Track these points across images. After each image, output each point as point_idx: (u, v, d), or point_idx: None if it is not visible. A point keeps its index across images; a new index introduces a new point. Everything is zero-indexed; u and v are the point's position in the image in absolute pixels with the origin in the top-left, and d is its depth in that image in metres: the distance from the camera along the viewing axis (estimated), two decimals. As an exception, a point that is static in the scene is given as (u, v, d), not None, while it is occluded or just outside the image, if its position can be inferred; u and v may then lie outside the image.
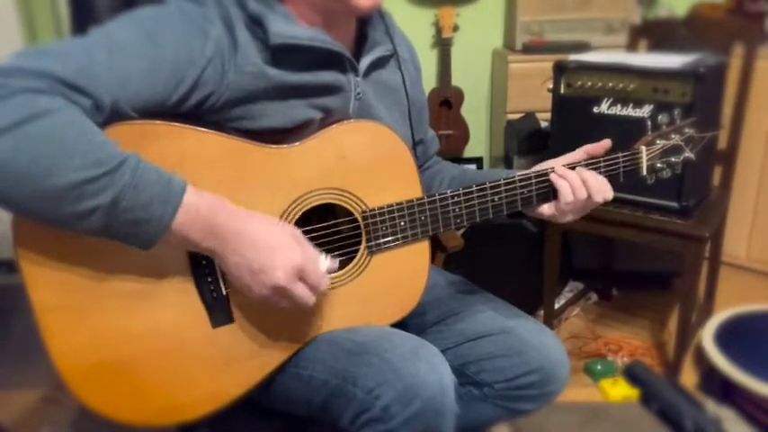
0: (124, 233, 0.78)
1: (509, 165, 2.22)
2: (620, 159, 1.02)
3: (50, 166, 0.72)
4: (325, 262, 0.88)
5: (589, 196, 0.97)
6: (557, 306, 2.11)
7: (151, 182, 0.77)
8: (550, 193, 1.00)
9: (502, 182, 0.98)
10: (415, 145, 1.17)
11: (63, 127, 0.73)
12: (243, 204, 0.85)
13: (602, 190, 0.98)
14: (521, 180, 0.98)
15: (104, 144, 0.75)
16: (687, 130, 1.05)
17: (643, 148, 1.03)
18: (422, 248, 1.00)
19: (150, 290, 0.87)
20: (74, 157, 0.72)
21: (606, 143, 1.02)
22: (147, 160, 0.78)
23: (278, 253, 0.83)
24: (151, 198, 0.76)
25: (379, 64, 1.05)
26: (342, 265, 0.96)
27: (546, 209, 1.01)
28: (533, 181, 0.99)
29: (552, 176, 0.99)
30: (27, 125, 0.71)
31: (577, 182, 0.97)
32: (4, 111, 0.71)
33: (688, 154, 1.05)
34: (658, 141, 1.04)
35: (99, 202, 0.74)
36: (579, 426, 1.66)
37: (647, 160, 1.03)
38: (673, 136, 1.04)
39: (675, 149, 1.05)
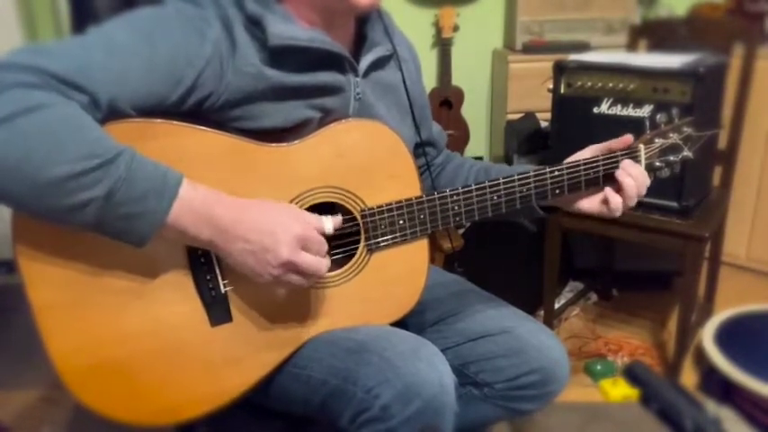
0: (118, 228, 0.77)
1: (509, 165, 2.22)
2: (619, 158, 1.02)
3: (44, 159, 0.72)
4: (328, 221, 0.89)
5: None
6: (557, 306, 2.11)
7: (146, 175, 0.77)
8: (548, 192, 0.99)
9: (501, 180, 0.98)
10: (423, 144, 1.16)
11: (57, 120, 0.73)
12: (242, 203, 0.85)
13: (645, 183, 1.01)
14: (520, 179, 0.98)
15: (100, 137, 0.75)
16: (686, 128, 1.05)
17: (641, 146, 1.03)
18: (421, 247, 1.00)
19: (149, 288, 0.87)
20: (68, 150, 0.72)
21: (628, 138, 1.02)
22: (143, 155, 0.78)
23: (278, 230, 0.83)
24: (146, 191, 0.76)
25: (378, 64, 1.05)
26: (341, 264, 0.96)
27: (586, 204, 1.03)
28: (532, 179, 0.98)
29: (619, 174, 1.00)
30: (20, 118, 0.71)
31: (633, 191, 0.99)
32: None
33: (686, 153, 1.05)
34: (657, 140, 1.04)
35: (93, 194, 0.74)
36: (579, 426, 1.66)
37: (646, 159, 1.03)
38: (671, 135, 1.04)
39: (674, 148, 1.05)
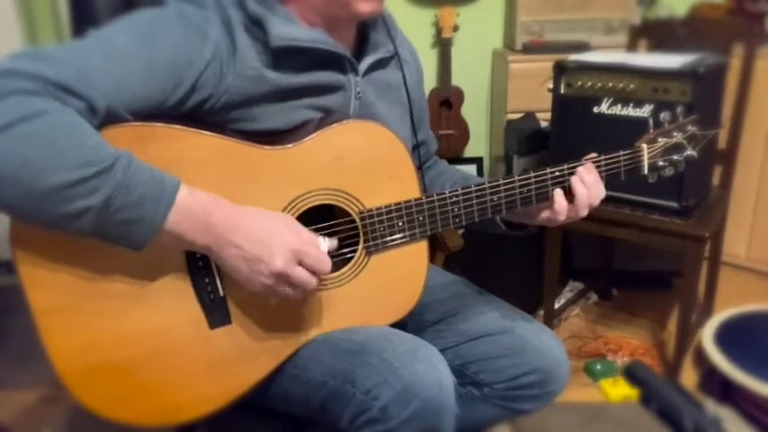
0: (116, 234, 0.77)
1: (509, 165, 2.22)
2: (621, 158, 1.01)
3: (41, 167, 0.71)
4: (324, 243, 0.88)
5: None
6: (557, 306, 2.11)
7: (143, 181, 0.76)
8: (549, 192, 0.99)
9: (501, 182, 0.98)
10: (419, 145, 1.17)
11: (55, 128, 0.73)
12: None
13: (598, 195, 0.99)
14: (520, 180, 0.98)
15: (97, 144, 0.75)
16: (690, 127, 1.04)
17: (644, 146, 1.03)
18: (420, 248, 0.99)
19: (148, 291, 0.87)
20: (65, 158, 0.72)
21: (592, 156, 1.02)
22: (141, 160, 0.78)
23: (274, 240, 0.83)
24: (143, 197, 0.76)
25: (379, 65, 1.05)
26: (340, 266, 0.96)
27: (544, 214, 1.01)
28: (532, 181, 0.98)
29: (573, 180, 0.98)
30: (18, 126, 0.71)
31: (594, 189, 0.98)
32: None
33: (690, 152, 1.05)
34: (660, 139, 1.03)
35: (90, 202, 0.74)
36: (579, 426, 1.66)
37: (649, 158, 1.03)
38: (675, 134, 1.04)
39: (677, 147, 1.04)
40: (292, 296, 0.87)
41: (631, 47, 2.02)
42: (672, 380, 1.77)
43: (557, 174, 0.99)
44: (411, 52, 1.16)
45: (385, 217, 0.96)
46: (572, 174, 0.99)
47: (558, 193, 0.98)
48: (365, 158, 0.94)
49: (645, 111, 1.62)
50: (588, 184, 0.98)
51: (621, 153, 1.01)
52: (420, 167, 1.19)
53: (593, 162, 1.00)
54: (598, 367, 1.86)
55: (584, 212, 0.99)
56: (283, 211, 0.91)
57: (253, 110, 0.92)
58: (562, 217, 0.98)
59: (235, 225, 0.83)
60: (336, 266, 0.95)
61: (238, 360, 0.93)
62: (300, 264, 0.85)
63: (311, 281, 0.86)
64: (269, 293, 0.86)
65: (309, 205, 0.93)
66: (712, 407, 1.68)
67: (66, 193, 0.72)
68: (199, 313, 0.90)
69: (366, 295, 0.98)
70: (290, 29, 0.91)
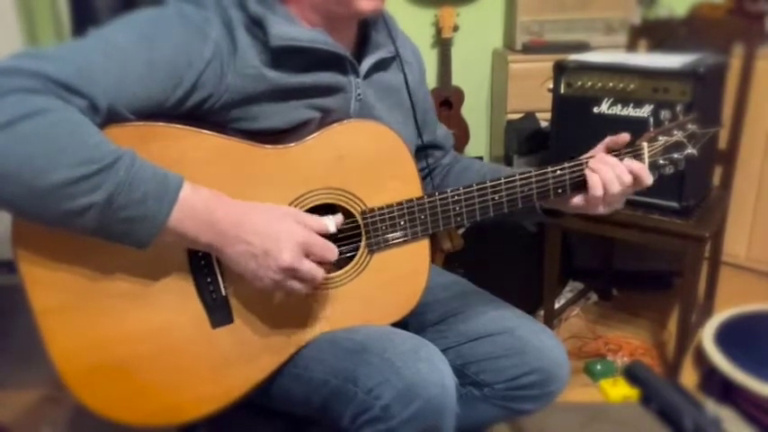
0: (119, 232, 0.77)
1: (509, 165, 2.22)
2: (622, 156, 1.02)
3: (44, 164, 0.71)
4: (331, 223, 0.89)
5: (629, 185, 0.97)
6: (557, 306, 2.11)
7: (146, 178, 0.77)
8: (550, 190, 0.99)
9: (502, 180, 0.98)
10: (427, 147, 1.16)
11: (56, 125, 0.73)
12: (242, 205, 0.85)
13: (641, 177, 0.98)
14: (521, 178, 0.98)
15: (99, 142, 0.75)
16: (690, 126, 1.04)
17: (645, 144, 1.03)
18: (422, 247, 1.00)
19: (150, 291, 0.87)
20: (67, 155, 0.72)
21: (625, 137, 1.01)
22: (144, 158, 0.78)
23: (281, 235, 0.83)
24: (146, 194, 0.76)
25: (380, 66, 1.05)
26: (341, 265, 0.96)
27: (578, 200, 1.00)
28: (533, 179, 0.98)
29: (586, 171, 0.98)
30: (20, 124, 0.71)
31: (609, 174, 0.96)
32: None
33: (691, 150, 1.05)
34: (660, 138, 1.03)
35: (93, 199, 0.74)
36: (579, 426, 1.66)
37: (649, 157, 1.03)
38: (675, 132, 1.04)
39: (678, 146, 1.04)
40: (299, 291, 0.87)
41: (631, 47, 2.02)
42: (672, 380, 1.77)
43: (558, 172, 0.99)
44: (413, 52, 1.16)
45: (387, 216, 0.96)
46: (573, 172, 0.99)
47: (593, 177, 0.96)
48: (367, 158, 0.94)
49: (645, 111, 1.62)
50: (609, 164, 0.97)
51: (623, 151, 1.01)
52: (430, 168, 1.19)
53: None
54: (598, 367, 1.86)
55: (615, 188, 0.96)
56: (285, 210, 0.91)
57: (252, 108, 0.92)
58: (598, 192, 0.96)
59: (240, 220, 0.83)
60: (338, 265, 0.95)
61: (240, 360, 0.93)
62: (308, 256, 0.85)
63: (319, 272, 0.86)
64: (277, 289, 0.86)
65: (311, 205, 0.93)
66: (712, 407, 1.68)
67: (68, 191, 0.73)
68: (201, 312, 0.90)
69: (368, 294, 0.98)
70: (289, 28, 0.91)
